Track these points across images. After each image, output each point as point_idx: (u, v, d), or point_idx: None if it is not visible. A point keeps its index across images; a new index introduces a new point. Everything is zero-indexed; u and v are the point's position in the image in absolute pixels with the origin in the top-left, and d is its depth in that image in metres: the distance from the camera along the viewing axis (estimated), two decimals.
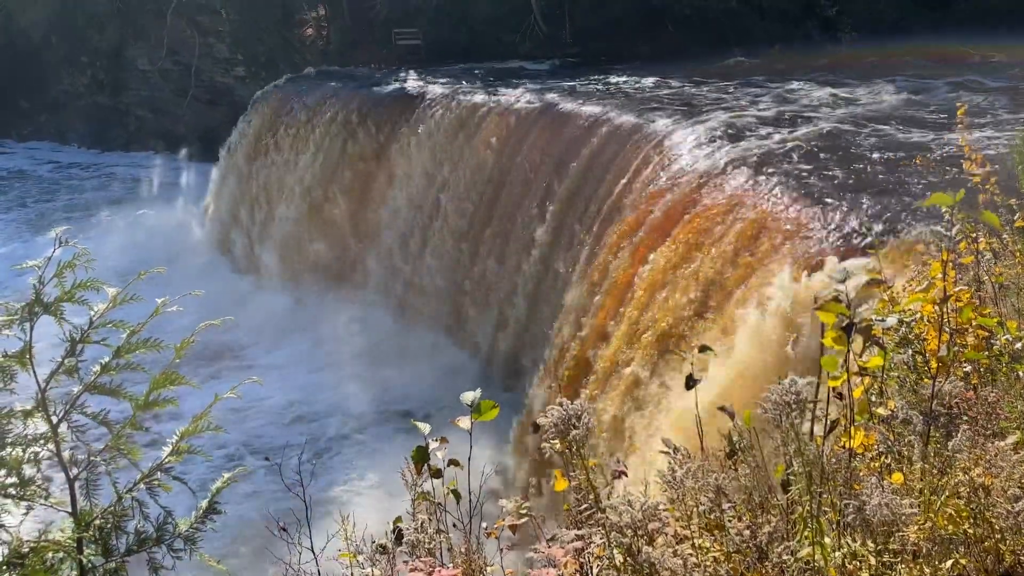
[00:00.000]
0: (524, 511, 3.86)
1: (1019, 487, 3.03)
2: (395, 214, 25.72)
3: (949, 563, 2.91)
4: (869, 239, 11.08)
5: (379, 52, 39.52)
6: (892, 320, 3.82)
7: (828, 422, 3.38)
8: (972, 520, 3.06)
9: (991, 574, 2.94)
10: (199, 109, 48.35)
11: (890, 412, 3.52)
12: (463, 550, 3.74)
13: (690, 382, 3.70)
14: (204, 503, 2.89)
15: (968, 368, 4.47)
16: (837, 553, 2.88)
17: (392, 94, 28.32)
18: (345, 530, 3.94)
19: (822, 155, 15.18)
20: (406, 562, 3.51)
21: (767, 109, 19.67)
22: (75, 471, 2.71)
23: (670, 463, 3.23)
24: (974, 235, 5.87)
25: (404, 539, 3.77)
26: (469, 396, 3.80)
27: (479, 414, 3.81)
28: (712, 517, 3.13)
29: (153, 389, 2.77)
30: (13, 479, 2.60)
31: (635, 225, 15.55)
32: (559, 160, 20.18)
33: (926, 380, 3.91)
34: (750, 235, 12.87)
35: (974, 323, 4.44)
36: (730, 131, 17.05)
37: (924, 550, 2.92)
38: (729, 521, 3.11)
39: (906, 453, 3.48)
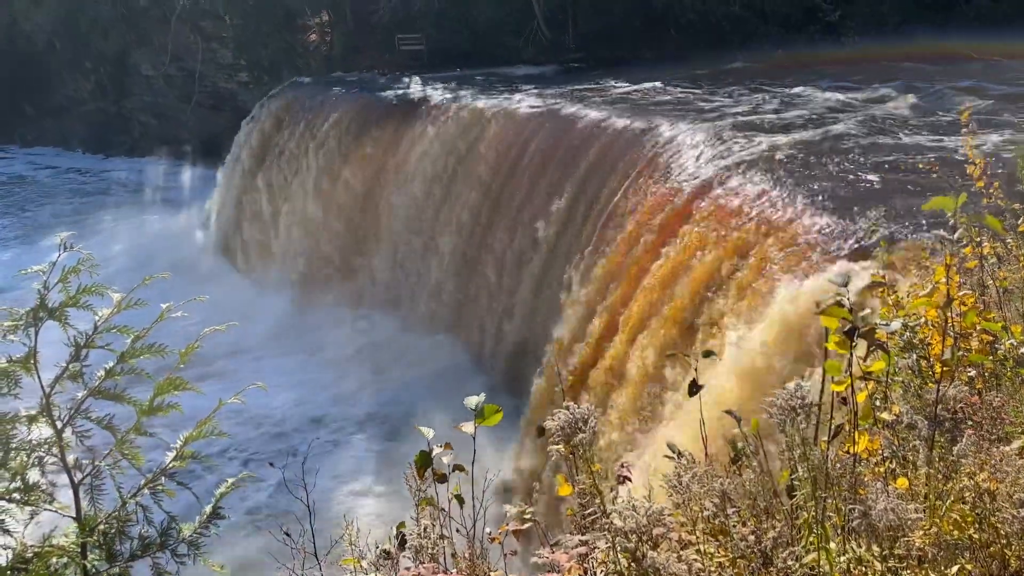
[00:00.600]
0: (528, 516, 3.86)
1: None
2: (399, 219, 25.74)
3: (955, 568, 2.89)
4: (873, 243, 11.06)
5: (382, 57, 39.59)
6: (896, 324, 3.81)
7: (832, 427, 3.37)
8: (977, 525, 3.05)
9: None
10: (203, 114, 48.49)
11: (894, 417, 3.51)
12: (467, 555, 3.73)
13: (694, 388, 3.69)
14: (208, 508, 2.89)
15: (972, 373, 4.46)
16: (842, 558, 2.87)
17: (395, 99, 28.37)
18: (349, 535, 3.93)
19: (825, 159, 15.17)
20: (408, 568, 3.51)
21: (770, 113, 19.67)
22: (79, 476, 2.71)
23: (675, 468, 3.23)
24: (978, 239, 5.86)
25: (408, 544, 3.76)
26: (473, 400, 3.80)
27: (482, 418, 3.80)
28: (717, 522, 3.12)
29: (157, 394, 2.77)
30: (17, 484, 2.60)
31: (639, 229, 15.55)
32: (562, 165, 20.18)
33: (930, 385, 3.89)
34: (752, 239, 12.86)
35: (978, 327, 4.43)
36: (733, 135, 17.05)
37: (930, 555, 2.91)
38: (734, 526, 3.10)
39: (911, 458, 3.47)
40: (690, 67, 28.03)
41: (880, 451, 3.54)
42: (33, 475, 2.66)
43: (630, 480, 3.73)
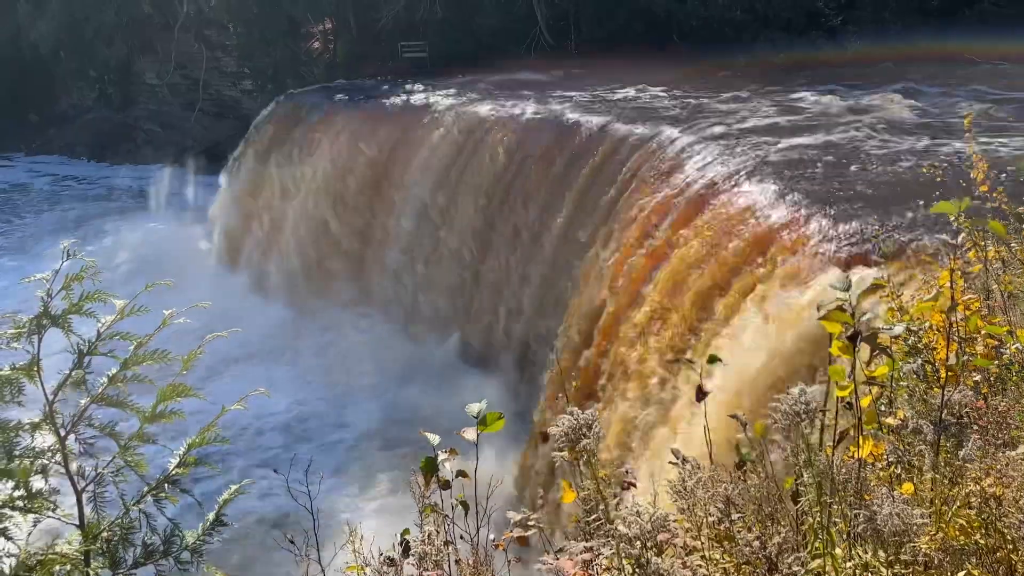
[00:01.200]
0: (532, 523, 3.84)
1: None
2: (402, 226, 25.77)
3: (961, 574, 2.88)
4: (876, 249, 11.04)
5: (385, 64, 39.68)
6: (899, 328, 3.80)
7: (837, 432, 3.36)
8: (984, 531, 3.03)
9: None
10: (206, 122, 48.62)
11: (900, 421, 3.50)
12: (471, 562, 3.72)
13: (700, 393, 3.68)
14: (211, 515, 2.88)
15: (978, 378, 4.44)
16: (848, 564, 2.86)
17: (399, 106, 28.42)
18: (352, 542, 3.92)
19: (828, 163, 15.15)
20: None
21: (773, 118, 19.67)
22: (82, 483, 2.71)
23: (680, 473, 3.22)
24: (983, 244, 5.85)
25: (411, 551, 3.75)
26: (475, 408, 3.80)
27: (485, 425, 3.80)
28: (722, 528, 3.11)
29: (160, 401, 2.76)
30: (21, 491, 2.60)
31: (643, 234, 15.54)
32: (565, 171, 20.20)
33: (935, 390, 3.88)
34: (756, 244, 12.84)
35: (983, 332, 4.41)
36: (736, 140, 17.05)
37: (936, 561, 2.89)
38: (739, 532, 3.08)
39: (916, 463, 3.45)
40: (692, 73, 28.04)
41: (885, 456, 3.52)
42: (37, 482, 2.65)
43: (635, 486, 3.72)
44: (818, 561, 2.87)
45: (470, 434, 3.84)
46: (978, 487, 3.08)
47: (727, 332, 12.10)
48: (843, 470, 3.13)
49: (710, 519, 3.09)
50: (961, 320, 4.10)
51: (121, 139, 52.33)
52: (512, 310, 20.78)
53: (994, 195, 6.92)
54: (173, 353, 2.84)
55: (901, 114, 19.04)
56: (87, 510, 2.72)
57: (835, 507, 2.99)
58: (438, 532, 3.78)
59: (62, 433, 2.66)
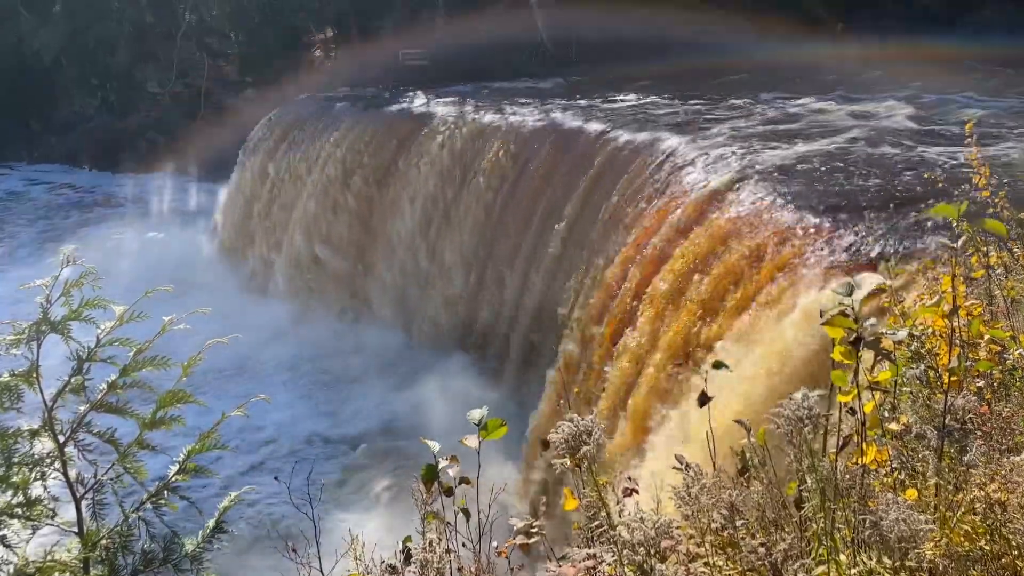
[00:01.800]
0: (535, 530, 3.83)
1: None
2: (403, 232, 25.79)
3: None
4: (878, 254, 11.04)
5: (386, 72, 39.78)
6: (903, 333, 3.79)
7: (840, 437, 3.34)
8: (989, 537, 3.01)
9: None
10: (208, 130, 48.72)
11: (903, 426, 3.48)
12: (473, 570, 3.70)
13: (703, 399, 3.67)
14: (211, 522, 2.87)
15: (981, 383, 4.43)
16: (853, 571, 2.84)
17: (400, 113, 28.46)
18: (354, 550, 3.91)
19: (829, 170, 15.15)
20: None
21: (772, 125, 19.67)
22: (82, 490, 2.70)
23: (684, 479, 3.20)
24: (985, 249, 5.84)
25: (413, 559, 3.74)
26: (476, 414, 3.78)
27: (487, 432, 3.79)
28: (725, 534, 3.09)
29: (160, 407, 2.75)
30: (20, 499, 2.59)
31: (643, 240, 15.53)
32: (567, 179, 20.21)
33: (939, 395, 3.87)
34: (757, 251, 12.83)
35: (986, 338, 4.40)
36: (736, 147, 17.05)
37: (941, 567, 2.87)
38: (743, 539, 3.07)
39: (920, 469, 3.44)
40: (693, 81, 28.08)
41: (889, 462, 3.51)
42: (35, 490, 2.64)
43: (637, 493, 3.70)
44: (823, 568, 2.86)
45: (472, 441, 3.83)
46: (983, 493, 3.06)
47: (730, 340, 12.08)
48: (847, 476, 3.12)
49: (714, 525, 3.07)
50: (963, 325, 4.09)
51: (123, 147, 52.44)
52: (513, 319, 20.78)
53: (996, 200, 6.92)
54: (173, 359, 2.84)
55: (902, 120, 19.04)
56: (86, 517, 2.71)
57: (839, 513, 2.98)
58: (440, 540, 3.76)
59: (61, 440, 2.65)
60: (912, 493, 3.24)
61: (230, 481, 17.67)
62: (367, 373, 23.11)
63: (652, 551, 2.76)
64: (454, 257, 23.55)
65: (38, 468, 2.62)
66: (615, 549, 2.90)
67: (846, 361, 3.27)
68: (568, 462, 3.29)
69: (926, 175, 12.47)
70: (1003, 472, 3.11)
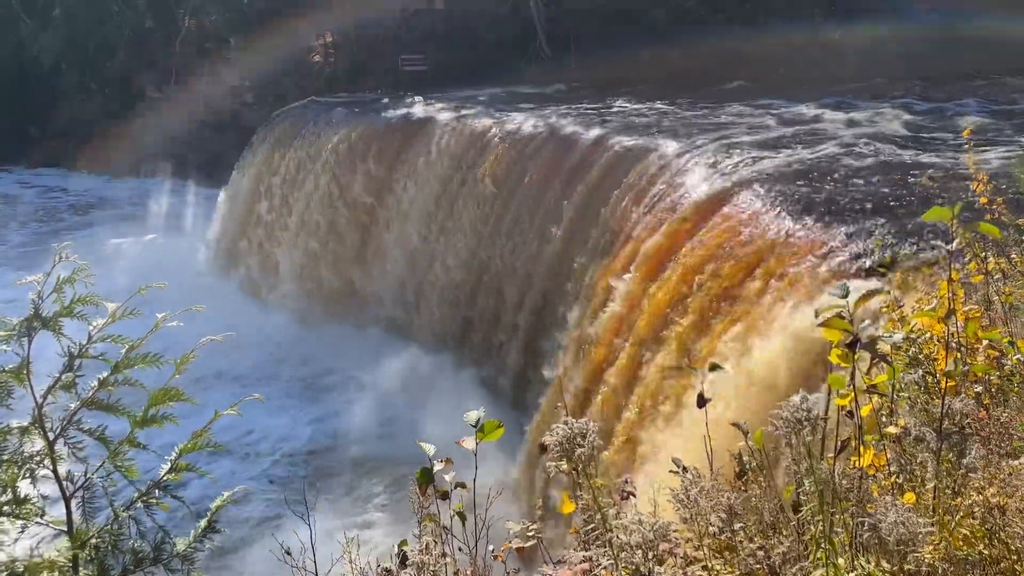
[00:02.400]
0: (531, 533, 3.81)
1: None
2: (401, 238, 25.78)
3: None
4: (877, 260, 11.03)
5: (385, 78, 39.87)
6: (899, 336, 3.77)
7: (838, 441, 3.33)
8: (987, 540, 3.00)
9: None
10: (207, 135, 48.74)
11: (901, 429, 3.47)
12: (469, 573, 3.68)
13: (701, 401, 3.65)
14: (203, 522, 2.84)
15: (980, 388, 4.41)
16: (851, 575, 2.82)
17: (399, 118, 28.48)
18: (349, 554, 3.89)
19: (827, 176, 15.15)
20: None
21: (771, 131, 19.69)
22: (71, 489, 2.67)
23: (682, 482, 3.18)
24: (982, 255, 5.83)
25: (409, 562, 3.71)
26: (473, 415, 3.76)
27: (483, 434, 3.76)
28: (723, 538, 3.07)
29: (152, 405, 2.73)
30: (8, 497, 2.56)
31: (639, 246, 15.53)
32: (564, 184, 20.21)
33: (937, 400, 3.85)
34: (755, 257, 12.82)
35: (983, 343, 4.39)
36: (734, 153, 17.06)
37: (940, 571, 2.85)
38: (741, 542, 3.04)
39: (918, 472, 3.42)
40: (691, 87, 28.16)
41: (887, 465, 3.49)
42: (24, 488, 2.62)
43: (634, 496, 3.68)
44: (820, 571, 2.83)
45: (469, 443, 3.81)
46: (981, 497, 3.04)
47: (730, 347, 12.06)
48: (845, 479, 3.10)
49: (711, 529, 3.05)
50: (960, 328, 4.08)
51: (122, 152, 52.45)
52: (513, 326, 20.75)
53: (993, 206, 6.92)
54: (165, 356, 2.81)
55: (900, 126, 19.07)
56: (76, 516, 2.68)
57: (837, 517, 2.96)
58: (436, 543, 3.74)
59: (51, 437, 2.63)
60: (910, 497, 3.22)
61: (227, 482, 17.63)
62: (362, 374, 23.10)
63: (650, 554, 2.74)
64: (454, 261, 23.55)
65: (27, 466, 2.60)
66: (612, 552, 2.87)
67: (843, 364, 3.26)
68: (563, 465, 3.27)
69: (924, 180, 12.47)
70: (1002, 476, 3.09)
